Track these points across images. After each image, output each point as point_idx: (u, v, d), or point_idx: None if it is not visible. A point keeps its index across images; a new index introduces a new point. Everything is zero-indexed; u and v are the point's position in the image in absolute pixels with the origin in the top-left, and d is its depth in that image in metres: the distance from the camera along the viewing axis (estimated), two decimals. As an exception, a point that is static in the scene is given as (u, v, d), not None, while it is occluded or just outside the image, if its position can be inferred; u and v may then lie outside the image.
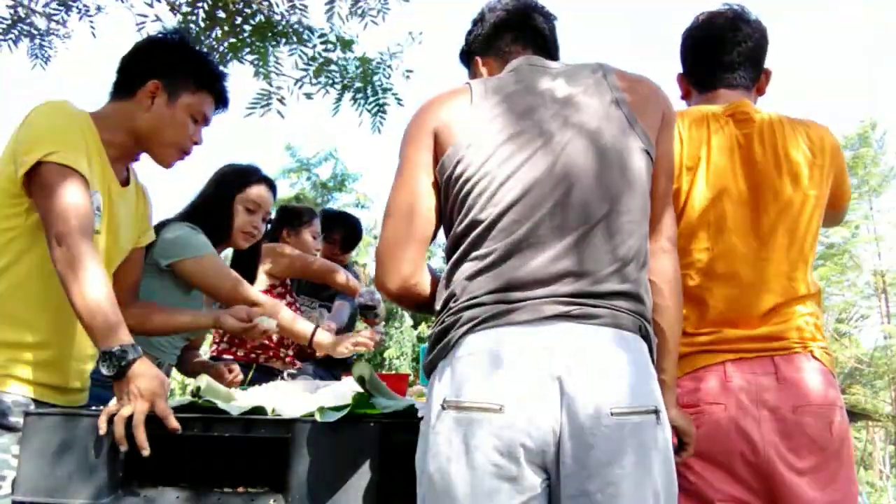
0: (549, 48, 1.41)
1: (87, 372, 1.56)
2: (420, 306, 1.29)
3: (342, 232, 3.58)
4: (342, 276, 2.95)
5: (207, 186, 2.21)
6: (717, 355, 1.47)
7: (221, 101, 1.70)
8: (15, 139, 1.45)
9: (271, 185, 2.27)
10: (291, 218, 3.20)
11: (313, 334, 2.09)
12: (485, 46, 1.44)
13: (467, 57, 1.50)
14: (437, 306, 1.19)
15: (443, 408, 1.08)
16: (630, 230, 1.16)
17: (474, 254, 1.14)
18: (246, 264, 2.31)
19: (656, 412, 1.08)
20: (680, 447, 1.34)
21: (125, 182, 1.63)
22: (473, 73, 1.48)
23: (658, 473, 1.07)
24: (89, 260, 1.33)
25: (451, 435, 1.06)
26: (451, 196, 1.21)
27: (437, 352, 1.15)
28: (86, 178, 1.41)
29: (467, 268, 1.14)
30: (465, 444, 1.04)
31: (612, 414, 1.04)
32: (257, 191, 2.19)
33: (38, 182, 1.39)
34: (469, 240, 1.16)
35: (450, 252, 1.21)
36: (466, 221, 1.17)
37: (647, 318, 1.17)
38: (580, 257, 1.12)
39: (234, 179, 2.19)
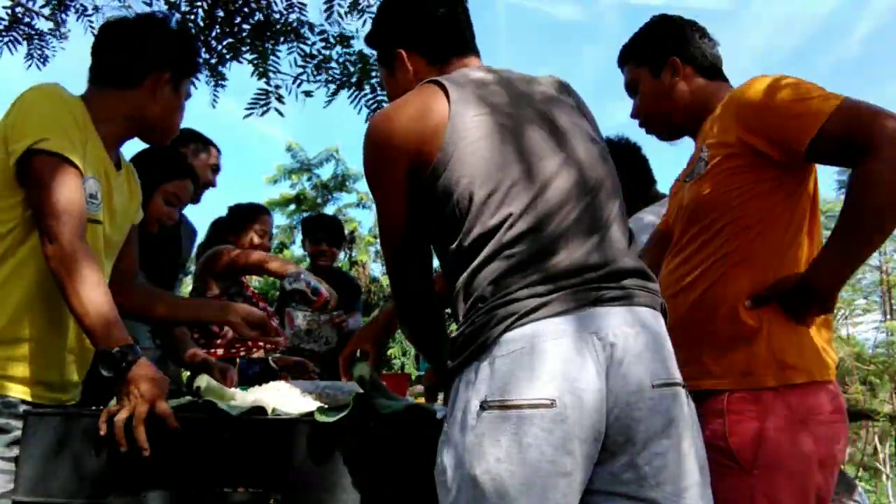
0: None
1: (83, 363, 1.52)
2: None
3: (324, 230, 3.86)
4: (275, 262, 2.73)
5: None
6: None
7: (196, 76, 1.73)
8: (3, 125, 1.38)
9: (195, 178, 2.19)
10: (236, 220, 3.12)
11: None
12: (416, 40, 1.38)
13: (384, 45, 1.43)
14: (460, 312, 1.16)
15: (482, 408, 1.05)
16: (624, 217, 1.23)
17: (502, 254, 1.12)
18: (157, 252, 2.19)
19: (684, 386, 1.13)
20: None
21: (118, 166, 1.59)
22: (394, 68, 1.41)
23: (698, 445, 1.12)
24: (83, 257, 1.30)
25: (497, 435, 1.03)
26: (451, 205, 1.17)
27: (468, 353, 1.11)
28: (78, 167, 1.36)
29: (493, 268, 1.12)
30: (516, 443, 1.02)
31: (653, 386, 1.07)
32: (181, 184, 2.10)
33: (28, 172, 1.34)
34: (491, 243, 1.13)
35: (460, 259, 1.17)
36: (482, 228, 1.14)
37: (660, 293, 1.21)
38: (605, 247, 1.16)
39: (157, 171, 2.07)
